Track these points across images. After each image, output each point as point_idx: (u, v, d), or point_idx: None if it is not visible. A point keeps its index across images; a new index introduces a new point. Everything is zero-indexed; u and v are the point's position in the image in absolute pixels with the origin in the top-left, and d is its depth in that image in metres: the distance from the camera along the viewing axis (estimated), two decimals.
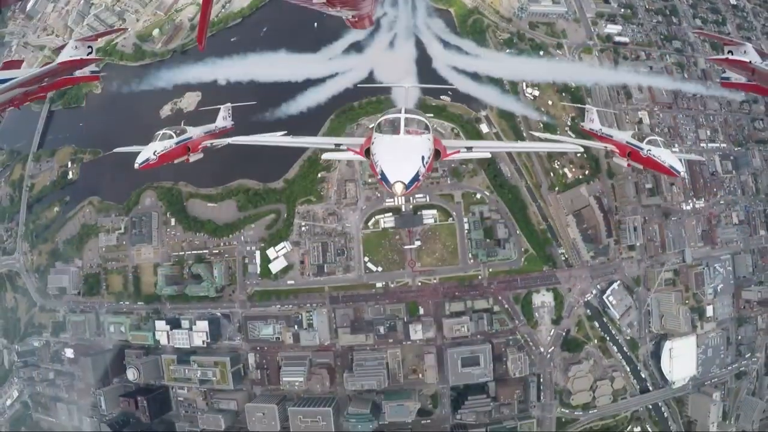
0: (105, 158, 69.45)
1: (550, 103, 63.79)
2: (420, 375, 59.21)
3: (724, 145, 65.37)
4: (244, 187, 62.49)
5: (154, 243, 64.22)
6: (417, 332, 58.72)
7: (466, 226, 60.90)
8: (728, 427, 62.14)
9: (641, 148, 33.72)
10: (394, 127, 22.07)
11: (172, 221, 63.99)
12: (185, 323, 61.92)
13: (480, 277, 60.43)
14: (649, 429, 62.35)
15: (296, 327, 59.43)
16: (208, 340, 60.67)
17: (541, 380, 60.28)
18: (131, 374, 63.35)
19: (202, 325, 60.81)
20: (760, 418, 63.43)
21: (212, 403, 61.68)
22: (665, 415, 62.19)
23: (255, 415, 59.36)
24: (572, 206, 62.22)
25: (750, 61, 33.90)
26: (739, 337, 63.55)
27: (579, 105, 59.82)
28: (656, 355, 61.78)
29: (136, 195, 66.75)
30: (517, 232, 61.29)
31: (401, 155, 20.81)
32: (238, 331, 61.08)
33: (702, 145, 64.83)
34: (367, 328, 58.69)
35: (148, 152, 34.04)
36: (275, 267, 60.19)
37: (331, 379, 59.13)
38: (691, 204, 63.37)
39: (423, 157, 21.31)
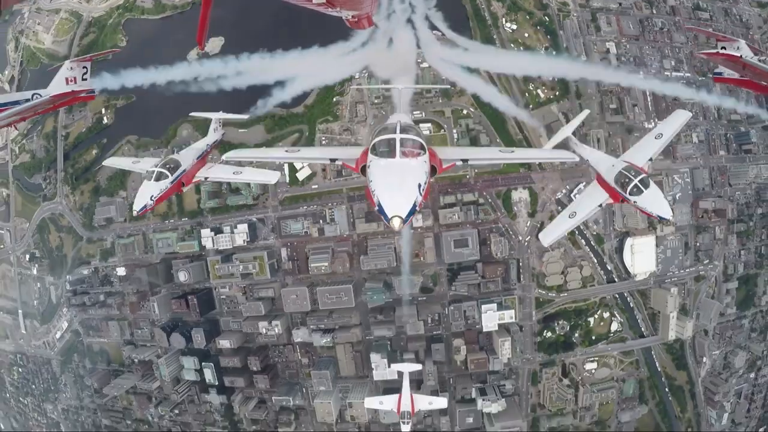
0: (138, 101, 71.77)
1: (526, 35, 67.67)
2: (421, 258, 64.24)
3: (689, 74, 67.05)
4: (270, 113, 64.85)
5: None
6: (418, 221, 63.84)
7: (455, 135, 65.53)
8: (688, 324, 65.71)
9: (628, 199, 27.86)
10: (390, 149, 19.58)
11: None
12: (226, 229, 65.81)
13: (468, 176, 65.49)
14: (617, 315, 66.88)
15: (321, 222, 64.10)
16: (248, 239, 64.89)
17: (520, 264, 65.31)
18: (182, 276, 66.80)
19: (242, 227, 64.94)
20: (718, 320, 67.17)
21: (251, 295, 65.86)
22: (631, 304, 66.79)
23: (290, 297, 64.09)
24: (544, 121, 65.71)
25: (741, 56, 32.41)
26: (698, 244, 65.91)
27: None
28: (620, 250, 65.62)
29: (173, 129, 69.47)
30: (497, 140, 65.85)
31: (397, 183, 18.81)
32: (271, 231, 65.13)
33: (666, 73, 66.94)
34: (379, 218, 65.07)
35: (144, 198, 29.45)
36: (301, 175, 64.73)
37: (351, 263, 63.92)
38: (653, 123, 64.51)
39: (420, 185, 19.02)
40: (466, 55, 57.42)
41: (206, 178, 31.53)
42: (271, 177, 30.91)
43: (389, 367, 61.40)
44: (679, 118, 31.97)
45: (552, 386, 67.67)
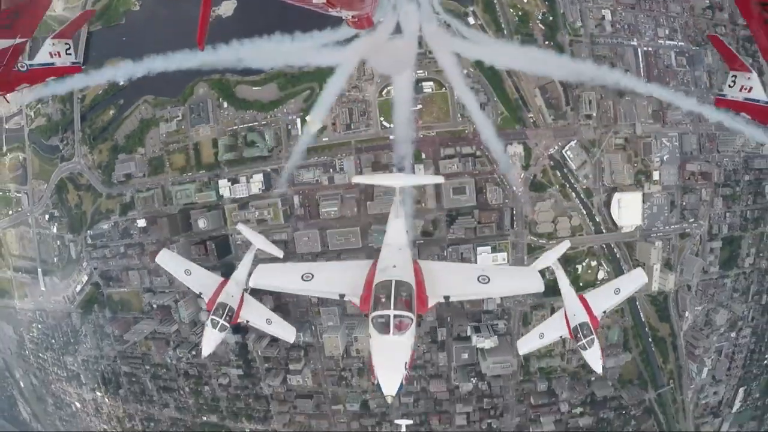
0: None
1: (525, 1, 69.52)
2: (423, 204, 68.07)
3: (682, 43, 68.15)
4: (283, 72, 68.56)
5: (211, 123, 70.28)
6: (420, 171, 66.89)
7: (456, 94, 67.94)
8: (670, 277, 67.93)
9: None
10: (385, 326, 21.19)
11: (225, 104, 70.23)
12: (243, 179, 69.04)
13: (466, 131, 68.85)
14: (604, 264, 69.41)
15: (331, 171, 67.52)
16: (263, 188, 68.46)
17: (514, 212, 68.59)
18: (201, 223, 69.74)
19: (258, 177, 68.25)
20: (701, 278, 69.36)
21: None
22: (617, 255, 69.13)
23: (302, 240, 67.48)
24: (538, 81, 68.59)
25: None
26: (684, 203, 67.35)
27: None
28: (607, 204, 67.99)
29: (189, 88, 71.47)
30: (495, 99, 68.87)
31: (391, 363, 20.89)
32: (285, 180, 68.53)
33: (660, 41, 68.23)
34: (384, 169, 66.86)
35: (211, 346, 35.41)
36: (312, 129, 67.61)
37: (358, 209, 67.30)
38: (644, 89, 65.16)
39: (405, 363, 21.22)
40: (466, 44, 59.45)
41: (247, 321, 37.04)
42: (289, 335, 38.39)
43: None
44: (638, 279, 38.27)
45: None
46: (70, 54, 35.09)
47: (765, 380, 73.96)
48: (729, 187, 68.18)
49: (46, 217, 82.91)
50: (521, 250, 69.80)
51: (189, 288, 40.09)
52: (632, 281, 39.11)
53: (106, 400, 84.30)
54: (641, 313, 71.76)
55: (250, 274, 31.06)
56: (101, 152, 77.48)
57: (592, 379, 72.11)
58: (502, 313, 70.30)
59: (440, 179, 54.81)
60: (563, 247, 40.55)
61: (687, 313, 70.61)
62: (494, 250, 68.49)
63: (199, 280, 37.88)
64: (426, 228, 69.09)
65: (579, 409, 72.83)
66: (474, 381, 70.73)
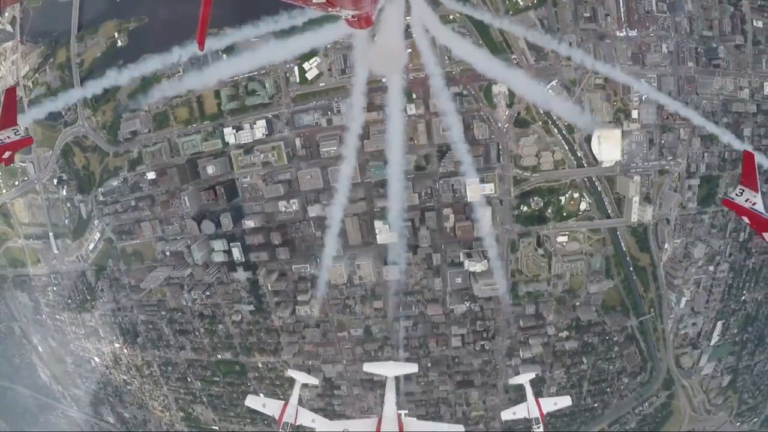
0: (151, 22, 74.53)
1: None
2: (415, 141, 70.71)
3: None
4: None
5: None
6: (411, 110, 69.68)
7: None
8: (648, 209, 69.41)
9: None
10: None
11: (224, 57, 70.39)
12: (246, 126, 71.16)
13: (454, 72, 70.61)
14: (585, 196, 71.48)
15: (329, 113, 69.96)
16: (266, 133, 70.50)
17: (500, 146, 70.95)
18: (210, 169, 71.90)
19: (261, 123, 70.32)
20: (679, 212, 70.81)
21: (271, 180, 71.51)
22: (598, 188, 71.04)
23: (305, 178, 70.15)
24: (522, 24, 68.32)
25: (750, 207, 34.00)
26: (663, 142, 67.99)
27: None
28: (588, 140, 69.29)
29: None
30: (480, 42, 70.39)
31: None
32: (286, 124, 70.49)
33: None
34: (378, 109, 69.26)
35: None
36: (310, 75, 69.96)
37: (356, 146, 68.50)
38: (624, 32, 67.17)
39: None
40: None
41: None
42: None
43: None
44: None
45: (528, 254, 74.07)
46: (18, 133, 36.80)
47: (743, 316, 74.34)
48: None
49: (54, 181, 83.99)
50: (507, 182, 72.59)
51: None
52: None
53: (125, 350, 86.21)
54: (622, 243, 73.78)
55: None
56: (104, 113, 78.55)
57: (577, 304, 75.09)
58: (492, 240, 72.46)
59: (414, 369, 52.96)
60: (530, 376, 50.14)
61: (666, 245, 72.28)
62: (482, 181, 71.23)
63: (270, 407, 45.46)
64: (419, 163, 72.12)
65: (565, 333, 75.61)
66: (467, 304, 74.05)
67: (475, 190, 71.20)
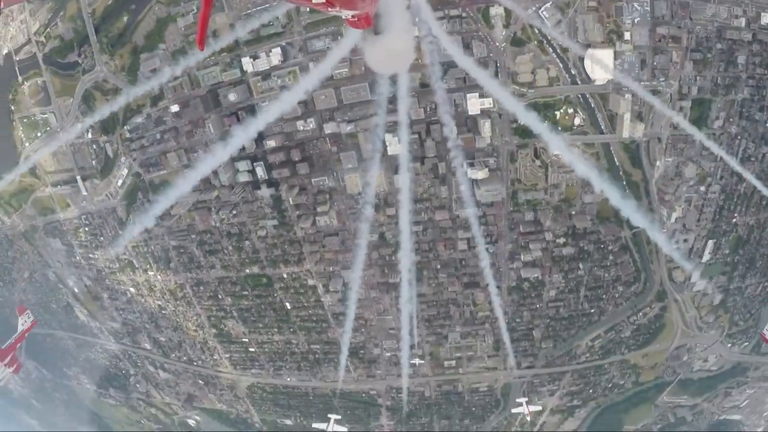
0: None
1: None
2: (419, 60, 70.78)
3: None
4: None
5: (226, 10, 73.71)
6: (415, 31, 67.49)
7: None
8: (639, 126, 70.06)
9: None
10: None
11: None
12: (263, 54, 73.85)
13: None
14: (579, 112, 72.20)
15: (338, 38, 71.95)
16: (282, 59, 73.07)
17: (498, 64, 72.81)
18: (232, 96, 74.31)
19: (276, 51, 72.89)
20: (671, 132, 70.79)
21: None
22: (592, 105, 71.66)
23: (320, 98, 73.28)
24: None
25: None
26: (655, 63, 66.67)
27: None
28: (582, 59, 69.39)
29: None
30: None
31: None
32: (299, 51, 73.12)
33: None
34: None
35: None
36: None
37: (365, 67, 71.84)
38: None
39: None
40: None
41: None
42: None
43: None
44: None
45: (526, 165, 76.05)
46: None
47: (735, 238, 73.18)
48: (700, 52, 67.06)
49: (78, 126, 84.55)
50: (508, 99, 73.22)
51: None
52: None
53: (159, 276, 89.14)
54: (615, 158, 74.90)
55: None
56: (122, 56, 79.76)
57: (573, 212, 77.51)
58: (492, 151, 76.28)
59: None
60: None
61: (658, 163, 72.87)
62: (481, 96, 73.97)
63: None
64: (423, 80, 74.39)
65: (562, 240, 77.90)
66: (471, 209, 76.57)
67: (475, 104, 73.99)
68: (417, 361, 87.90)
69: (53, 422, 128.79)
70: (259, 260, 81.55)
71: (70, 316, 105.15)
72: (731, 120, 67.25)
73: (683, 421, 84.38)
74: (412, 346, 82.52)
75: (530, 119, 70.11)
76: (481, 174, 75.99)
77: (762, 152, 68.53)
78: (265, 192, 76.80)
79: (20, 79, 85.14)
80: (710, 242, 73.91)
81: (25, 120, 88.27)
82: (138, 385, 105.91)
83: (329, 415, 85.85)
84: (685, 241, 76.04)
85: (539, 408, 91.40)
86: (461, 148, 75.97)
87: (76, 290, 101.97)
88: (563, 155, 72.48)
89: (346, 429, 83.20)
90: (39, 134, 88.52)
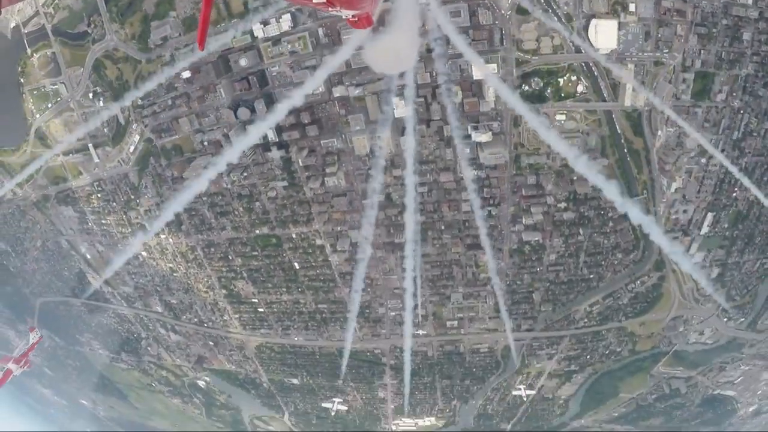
0: None
1: None
2: (425, 26, 69.37)
3: None
4: None
5: None
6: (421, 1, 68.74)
7: None
8: (641, 95, 69.58)
9: None
10: None
11: None
12: (273, 20, 73.62)
13: None
14: (582, 79, 71.65)
15: None
16: (291, 25, 73.28)
17: (503, 31, 71.84)
18: (243, 62, 74.43)
19: (286, 17, 72.78)
20: (673, 103, 69.33)
21: (298, 67, 74.92)
22: (595, 73, 71.10)
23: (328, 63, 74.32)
24: None
25: None
26: (659, 35, 65.63)
27: None
28: (586, 28, 68.60)
29: None
30: None
31: None
32: (309, 16, 72.86)
33: None
34: None
35: None
36: None
37: (374, 32, 76.54)
38: None
39: None
40: None
41: None
42: None
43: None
44: None
45: (529, 129, 75.28)
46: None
47: (734, 213, 72.12)
48: (705, 27, 65.88)
49: (90, 95, 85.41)
50: (510, 64, 74.19)
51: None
52: None
53: (170, 239, 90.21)
54: (617, 125, 73.86)
55: None
56: (132, 25, 79.57)
57: (574, 178, 76.92)
58: (496, 116, 76.21)
59: None
60: None
61: (659, 132, 71.99)
62: (487, 62, 73.81)
63: None
64: (429, 46, 73.43)
65: (563, 204, 77.89)
66: (475, 172, 78.04)
67: (480, 69, 73.56)
68: (420, 331, 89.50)
69: (66, 390, 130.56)
70: (269, 221, 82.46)
71: (83, 282, 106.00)
72: (734, 94, 66.07)
73: (678, 392, 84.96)
74: (415, 306, 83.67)
75: (517, 102, 71.50)
76: (484, 137, 76.48)
77: (764, 128, 67.30)
78: (275, 154, 77.62)
79: (29, 51, 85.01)
80: (709, 215, 73.14)
81: (35, 92, 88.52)
82: (149, 348, 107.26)
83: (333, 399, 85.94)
84: (685, 211, 75.86)
85: (534, 392, 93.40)
86: (465, 113, 76.65)
87: (88, 256, 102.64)
88: (544, 137, 72.47)
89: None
90: (50, 105, 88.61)
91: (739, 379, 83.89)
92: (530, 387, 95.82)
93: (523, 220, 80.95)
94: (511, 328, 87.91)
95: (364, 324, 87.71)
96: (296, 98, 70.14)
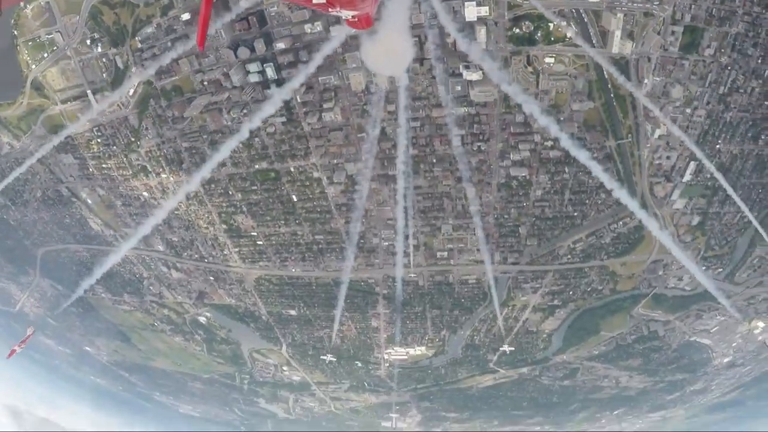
0: None
1: None
2: None
3: None
4: None
5: None
6: None
7: None
8: (628, 43, 69.39)
9: None
10: None
11: None
12: None
13: None
14: (572, 25, 71.18)
15: None
16: None
17: None
18: (243, 3, 73.58)
19: None
20: (661, 54, 69.07)
21: (296, 7, 73.47)
22: (585, 19, 70.70)
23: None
24: None
25: None
26: None
27: None
28: None
29: None
30: None
31: None
32: None
33: None
34: None
35: None
36: None
37: None
38: None
39: None
40: None
41: None
42: None
43: None
44: None
45: (519, 70, 76.14)
46: None
47: (717, 164, 71.68)
48: None
49: (88, 41, 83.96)
50: (502, 6, 73.86)
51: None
52: None
53: (171, 178, 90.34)
54: (605, 71, 73.78)
55: None
56: None
57: (561, 118, 77.07)
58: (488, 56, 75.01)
59: None
60: None
61: (646, 80, 71.92)
62: (479, 4, 73.63)
63: None
64: None
65: (550, 142, 78.51)
66: (466, 108, 79.37)
67: (472, 11, 73.82)
68: (412, 274, 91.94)
69: (69, 338, 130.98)
70: (268, 156, 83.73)
71: (85, 228, 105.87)
72: (723, 51, 65.01)
73: (656, 335, 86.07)
74: (407, 237, 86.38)
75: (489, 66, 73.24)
76: (475, 76, 77.52)
77: (751, 86, 66.62)
78: (274, 90, 78.44)
79: (23, 4, 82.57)
80: (692, 163, 73.00)
81: (30, 43, 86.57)
82: (151, 288, 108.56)
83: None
84: (668, 158, 76.35)
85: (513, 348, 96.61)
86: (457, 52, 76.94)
87: (89, 201, 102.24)
88: None
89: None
90: (45, 54, 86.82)
91: (714, 329, 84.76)
92: (515, 320, 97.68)
93: (511, 156, 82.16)
94: (490, 260, 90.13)
95: (359, 254, 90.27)
96: None
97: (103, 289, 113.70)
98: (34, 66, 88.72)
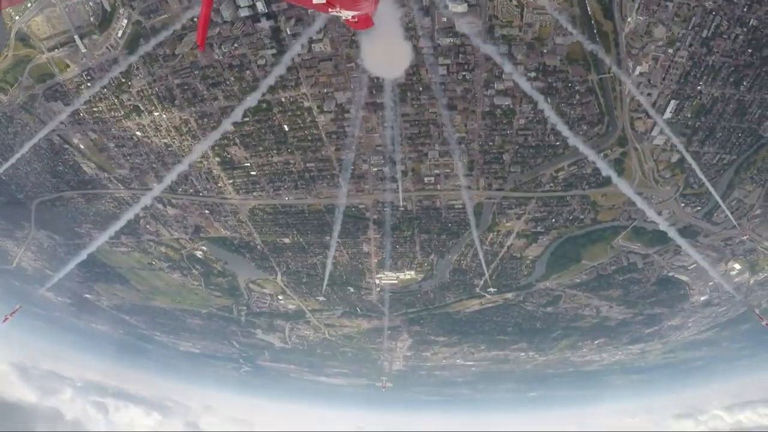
0: None
1: None
2: None
3: None
4: None
5: None
6: None
7: None
8: None
9: None
10: None
11: None
12: None
13: None
14: None
15: None
16: None
17: None
18: None
19: None
20: None
21: None
22: None
23: None
24: None
25: None
26: None
27: None
28: None
29: None
30: None
31: None
32: None
33: None
34: None
35: None
36: None
37: None
38: None
39: None
40: None
41: None
42: None
43: None
44: None
45: (503, 3, 73.82)
46: None
47: (698, 105, 73.35)
48: None
49: None
50: None
51: None
52: None
53: (164, 116, 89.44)
54: (588, 7, 71.60)
55: None
56: None
57: (544, 51, 76.08)
58: None
59: None
60: None
61: (629, 19, 70.48)
62: None
63: None
64: None
65: (533, 74, 77.41)
66: (451, 39, 78.00)
67: None
68: (402, 203, 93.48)
69: (68, 287, 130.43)
70: (259, 87, 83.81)
71: (78, 173, 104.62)
72: None
73: (635, 267, 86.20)
74: (395, 162, 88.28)
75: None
76: (460, 8, 75.77)
77: (735, 32, 68.06)
78: (264, 24, 78.39)
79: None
80: (673, 102, 73.95)
81: None
82: (148, 227, 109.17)
83: None
84: (649, 94, 75.90)
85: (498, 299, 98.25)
86: None
87: (81, 147, 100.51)
88: None
89: None
90: (29, 5, 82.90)
91: (692, 266, 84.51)
92: (500, 245, 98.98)
93: (495, 86, 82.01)
94: (467, 186, 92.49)
95: (350, 180, 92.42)
96: None
97: (99, 234, 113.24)
98: (17, 17, 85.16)
